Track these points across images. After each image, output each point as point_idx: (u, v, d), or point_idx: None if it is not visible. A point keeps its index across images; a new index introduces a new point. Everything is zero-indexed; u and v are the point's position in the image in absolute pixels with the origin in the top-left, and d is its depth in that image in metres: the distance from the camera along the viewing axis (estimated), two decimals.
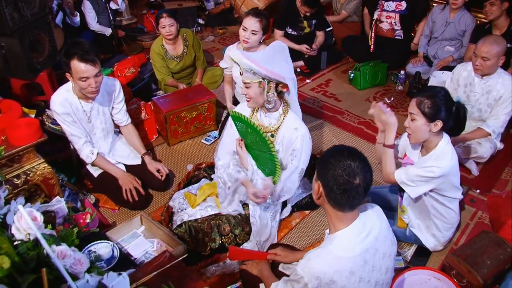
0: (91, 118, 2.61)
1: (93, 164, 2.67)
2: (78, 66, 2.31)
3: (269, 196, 2.27)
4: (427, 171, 2.11)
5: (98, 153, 2.63)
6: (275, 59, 2.16)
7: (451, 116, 2.09)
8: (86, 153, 2.59)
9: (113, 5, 4.88)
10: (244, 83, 2.18)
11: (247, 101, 2.26)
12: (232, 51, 3.17)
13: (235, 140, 2.38)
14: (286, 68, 2.20)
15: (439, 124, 2.06)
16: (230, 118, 2.37)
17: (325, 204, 1.53)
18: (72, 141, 2.60)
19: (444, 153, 2.12)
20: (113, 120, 2.78)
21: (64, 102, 2.48)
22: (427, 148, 2.21)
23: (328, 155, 1.48)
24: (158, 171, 2.78)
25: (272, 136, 2.30)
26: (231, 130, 2.42)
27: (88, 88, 2.39)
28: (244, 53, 2.18)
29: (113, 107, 2.72)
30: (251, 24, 2.93)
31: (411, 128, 2.13)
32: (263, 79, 2.14)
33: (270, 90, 2.17)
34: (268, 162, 2.27)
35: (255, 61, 2.08)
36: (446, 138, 2.16)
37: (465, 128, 2.24)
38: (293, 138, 2.23)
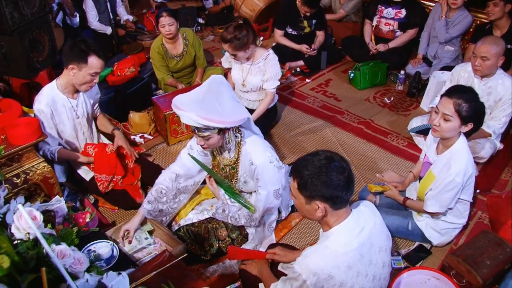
0: (78, 113, 2.60)
1: (59, 160, 2.58)
2: (97, 62, 2.38)
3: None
4: (449, 187, 2.13)
5: (57, 151, 2.53)
6: (223, 101, 1.97)
7: (481, 119, 2.09)
8: (48, 155, 2.52)
9: (129, 17, 5.08)
10: (202, 137, 2.03)
11: (203, 148, 2.13)
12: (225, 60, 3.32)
13: (206, 179, 2.33)
14: (235, 108, 2.01)
15: (470, 126, 2.07)
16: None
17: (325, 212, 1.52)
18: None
19: (460, 152, 2.12)
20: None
21: (50, 102, 2.47)
22: (444, 146, 2.21)
23: (312, 174, 1.46)
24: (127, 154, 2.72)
25: (233, 168, 2.25)
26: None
27: (92, 83, 2.46)
28: (197, 110, 1.92)
29: (93, 102, 2.74)
30: (228, 50, 3.05)
31: (442, 127, 2.08)
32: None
33: (230, 133, 2.11)
34: (239, 195, 2.28)
35: (209, 118, 1.92)
36: (462, 136, 2.17)
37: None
38: (252, 171, 2.17)
